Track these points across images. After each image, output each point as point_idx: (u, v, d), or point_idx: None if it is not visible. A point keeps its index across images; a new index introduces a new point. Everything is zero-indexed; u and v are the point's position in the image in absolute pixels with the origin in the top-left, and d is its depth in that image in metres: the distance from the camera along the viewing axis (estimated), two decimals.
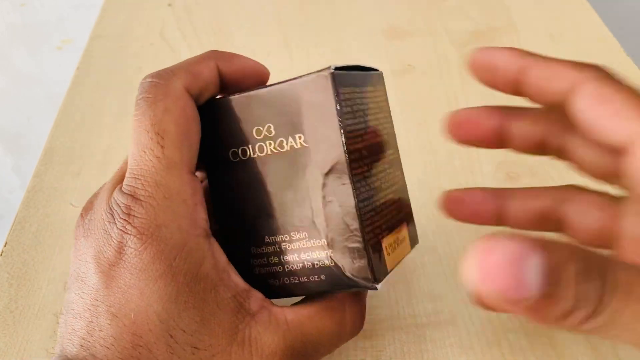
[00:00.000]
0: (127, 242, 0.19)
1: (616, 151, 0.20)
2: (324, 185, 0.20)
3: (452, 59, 0.44)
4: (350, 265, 0.20)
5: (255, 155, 0.21)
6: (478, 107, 0.23)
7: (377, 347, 0.27)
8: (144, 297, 0.19)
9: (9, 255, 0.33)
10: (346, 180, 0.20)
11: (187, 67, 0.22)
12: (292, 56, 0.46)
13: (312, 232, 0.20)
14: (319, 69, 0.20)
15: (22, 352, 0.28)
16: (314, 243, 0.21)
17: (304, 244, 0.21)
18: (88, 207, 0.22)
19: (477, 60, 0.22)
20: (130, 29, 0.51)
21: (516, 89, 0.22)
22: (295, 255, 0.21)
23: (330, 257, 0.20)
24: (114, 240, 0.19)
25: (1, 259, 0.33)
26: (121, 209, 0.20)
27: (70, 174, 0.38)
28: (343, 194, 0.20)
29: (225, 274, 0.20)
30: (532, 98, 0.22)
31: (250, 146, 0.21)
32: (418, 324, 0.27)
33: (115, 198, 0.20)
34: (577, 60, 0.21)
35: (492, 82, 0.22)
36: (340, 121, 0.19)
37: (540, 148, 0.23)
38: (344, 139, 0.19)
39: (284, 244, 0.21)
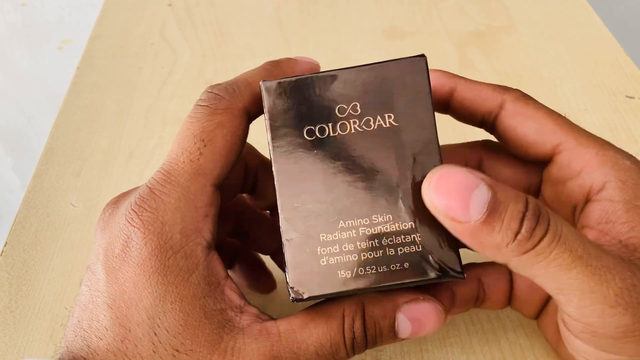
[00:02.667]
0: (132, 235, 0.20)
1: (539, 162, 0.22)
2: (413, 165, 0.20)
3: (452, 59, 0.44)
4: (438, 252, 0.19)
5: (336, 134, 0.20)
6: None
7: (377, 348, 0.27)
8: (137, 291, 0.19)
9: (9, 255, 0.33)
10: (437, 161, 0.20)
11: (250, 85, 0.22)
12: (292, 56, 0.46)
13: (398, 214, 0.19)
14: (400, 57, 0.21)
15: (22, 352, 0.28)
16: (399, 226, 0.19)
17: (387, 228, 0.19)
18: (114, 201, 0.22)
19: None
20: (130, 29, 0.51)
21: (445, 109, 0.23)
22: (376, 241, 0.19)
23: (418, 242, 0.19)
24: (122, 232, 0.20)
25: (1, 259, 0.33)
26: (135, 200, 0.20)
27: (70, 174, 0.38)
28: None
29: (219, 288, 0.20)
30: (459, 118, 0.23)
31: (330, 124, 0.20)
32: None
33: (138, 190, 0.21)
34: (498, 84, 0.23)
35: None
36: (432, 103, 0.20)
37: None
38: (435, 120, 0.20)
39: (362, 228, 0.20)
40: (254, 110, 0.22)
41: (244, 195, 0.27)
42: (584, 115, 0.39)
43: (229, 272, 0.28)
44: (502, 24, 0.47)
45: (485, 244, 0.17)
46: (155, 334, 0.19)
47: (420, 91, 0.20)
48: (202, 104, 0.21)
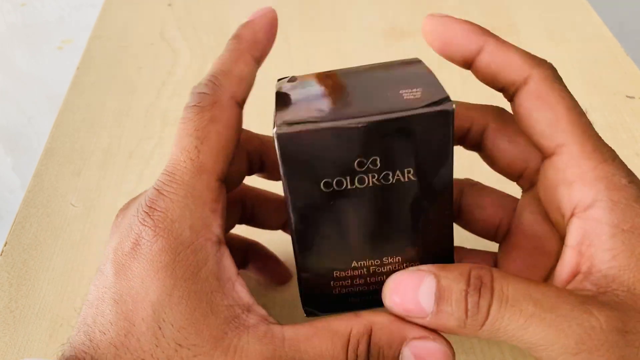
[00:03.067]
0: (142, 233, 0.20)
1: (539, 151, 0.21)
2: (426, 212, 0.20)
3: None
4: None
5: (354, 187, 0.20)
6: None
7: None
8: (144, 286, 0.19)
9: (9, 255, 0.33)
10: (449, 209, 0.21)
11: (230, 71, 0.22)
12: (292, 56, 0.46)
13: (407, 256, 0.21)
14: (432, 98, 0.19)
15: (22, 352, 0.28)
16: (406, 265, 0.21)
17: (395, 267, 0.21)
18: (125, 206, 0.23)
19: (433, 28, 0.22)
20: (130, 29, 0.51)
21: (467, 64, 0.22)
22: (384, 276, 0.21)
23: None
24: (133, 232, 0.20)
25: (1, 258, 0.33)
26: (145, 202, 0.21)
27: (70, 174, 0.38)
28: (445, 221, 0.21)
29: (229, 283, 0.20)
30: (479, 77, 0.22)
31: (349, 178, 0.20)
32: None
33: (146, 193, 0.21)
34: (531, 54, 0.21)
35: (445, 52, 0.22)
36: (452, 155, 0.20)
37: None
38: (452, 172, 0.20)
39: (372, 267, 0.21)
40: (240, 96, 0.22)
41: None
42: None
43: (245, 271, 0.29)
44: (502, 24, 0.47)
45: (449, 328, 0.18)
46: (160, 328, 0.19)
47: (442, 146, 0.19)
48: (191, 105, 0.22)
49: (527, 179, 0.23)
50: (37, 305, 0.30)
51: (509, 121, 0.23)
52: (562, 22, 0.46)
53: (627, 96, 0.40)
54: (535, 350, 0.18)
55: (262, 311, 0.21)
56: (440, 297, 0.18)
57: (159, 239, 0.20)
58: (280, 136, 0.19)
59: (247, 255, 0.29)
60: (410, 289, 0.19)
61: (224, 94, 0.22)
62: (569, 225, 0.20)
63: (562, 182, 0.20)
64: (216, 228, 0.21)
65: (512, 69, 0.21)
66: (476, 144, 0.24)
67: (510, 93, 0.21)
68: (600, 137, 0.20)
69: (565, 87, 0.21)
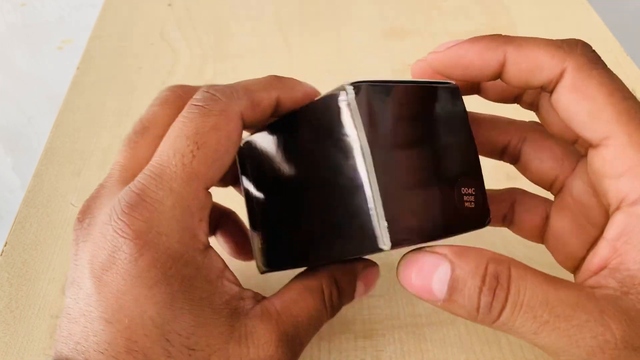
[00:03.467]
0: (121, 246, 0.19)
1: (584, 143, 0.20)
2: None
3: None
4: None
5: None
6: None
7: (377, 347, 0.27)
8: (138, 304, 0.19)
9: (9, 255, 0.33)
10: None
11: (250, 93, 0.21)
12: (292, 56, 0.46)
13: None
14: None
15: (22, 352, 0.28)
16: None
17: None
18: (86, 208, 0.21)
19: (444, 61, 0.21)
20: (130, 29, 0.51)
21: (495, 79, 0.21)
22: None
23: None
24: (109, 244, 0.19)
25: (1, 259, 0.33)
26: (121, 208, 0.19)
27: (70, 174, 0.38)
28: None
29: (220, 282, 0.21)
30: (513, 88, 0.22)
31: None
32: (418, 324, 0.27)
33: (121, 196, 0.20)
34: (560, 41, 0.20)
35: (468, 79, 0.21)
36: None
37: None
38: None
39: None
40: (250, 117, 0.21)
41: None
42: None
43: (213, 237, 0.28)
44: (502, 24, 0.47)
45: (460, 314, 0.18)
46: (168, 340, 0.19)
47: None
48: (197, 104, 0.20)
49: (558, 187, 0.23)
50: (37, 305, 0.30)
51: (544, 134, 0.23)
52: (562, 22, 0.46)
53: None
54: (545, 351, 0.18)
55: (250, 292, 0.22)
56: (453, 287, 0.18)
57: (145, 253, 0.19)
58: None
59: (219, 224, 0.28)
60: (425, 273, 0.18)
61: (235, 105, 0.21)
62: (612, 217, 0.19)
63: (609, 174, 0.19)
64: (203, 236, 0.20)
65: (543, 69, 0.19)
66: (514, 157, 0.24)
67: (550, 92, 0.20)
68: None
69: (605, 70, 0.19)
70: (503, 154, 0.24)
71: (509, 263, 0.18)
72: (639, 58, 0.44)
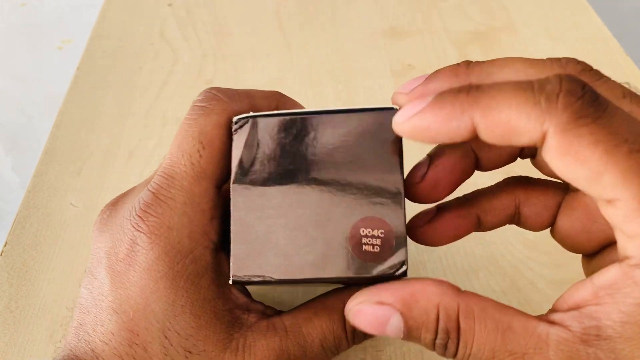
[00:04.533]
0: (137, 239, 0.19)
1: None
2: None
3: (452, 59, 0.44)
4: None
5: None
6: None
7: (377, 347, 0.27)
8: (144, 296, 0.19)
9: (9, 255, 0.33)
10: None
11: (251, 98, 0.22)
12: (292, 56, 0.46)
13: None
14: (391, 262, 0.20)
15: (22, 352, 0.28)
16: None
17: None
18: (113, 202, 0.22)
19: (408, 128, 0.18)
20: (130, 28, 0.51)
21: (473, 139, 0.17)
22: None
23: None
24: (126, 237, 0.20)
25: (1, 259, 0.33)
26: (139, 206, 0.20)
27: (70, 174, 0.38)
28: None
29: (227, 289, 0.21)
30: (490, 157, 0.21)
31: None
32: None
33: (141, 195, 0.20)
34: (537, 87, 0.15)
35: (438, 142, 0.18)
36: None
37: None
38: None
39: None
40: None
41: None
42: None
43: None
44: (502, 24, 0.47)
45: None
46: (166, 337, 0.19)
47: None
48: (200, 104, 0.21)
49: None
50: (37, 305, 0.30)
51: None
52: (562, 22, 0.46)
53: None
54: None
55: (259, 306, 0.21)
56: (409, 335, 0.18)
57: (155, 246, 0.19)
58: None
59: None
60: (377, 325, 0.18)
61: (236, 106, 0.21)
62: (610, 266, 0.17)
63: (620, 228, 0.16)
64: (213, 235, 0.21)
65: (519, 134, 0.16)
66: (532, 153, 0.21)
67: (532, 155, 0.18)
68: None
69: (601, 118, 0.15)
70: (522, 150, 0.21)
71: (458, 313, 0.17)
72: (639, 58, 0.44)
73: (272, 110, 0.22)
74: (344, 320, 0.20)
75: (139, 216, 0.20)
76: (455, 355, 0.18)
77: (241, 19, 0.51)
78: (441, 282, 0.18)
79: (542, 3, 0.49)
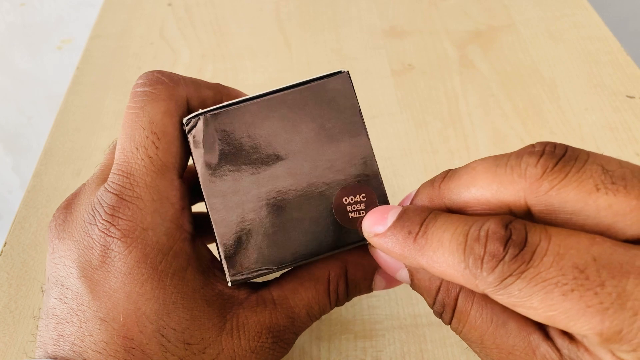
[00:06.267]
0: (110, 245, 0.19)
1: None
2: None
3: (452, 58, 0.44)
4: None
5: None
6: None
7: (377, 347, 0.27)
8: (131, 300, 0.19)
9: (9, 255, 0.33)
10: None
11: (196, 85, 0.21)
12: (292, 56, 0.46)
13: None
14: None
15: (22, 352, 0.28)
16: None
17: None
18: (65, 205, 0.21)
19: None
20: (130, 28, 0.51)
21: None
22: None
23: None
24: (97, 244, 0.19)
25: (1, 259, 0.33)
26: (104, 210, 0.19)
27: (70, 174, 0.38)
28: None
29: (210, 273, 0.21)
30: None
31: None
32: (418, 324, 0.27)
33: (100, 197, 0.19)
34: (473, 248, 0.15)
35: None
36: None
37: None
38: None
39: None
40: (194, 104, 0.21)
41: None
42: (584, 115, 0.39)
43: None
44: (502, 24, 0.47)
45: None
46: (163, 336, 0.19)
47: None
48: (143, 89, 0.20)
49: None
50: (36, 305, 0.30)
51: None
52: (562, 22, 0.46)
53: (627, 96, 0.40)
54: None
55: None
56: (414, 288, 0.19)
57: (133, 250, 0.19)
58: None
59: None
60: (390, 270, 0.19)
61: (182, 90, 0.21)
62: None
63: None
64: (187, 225, 0.20)
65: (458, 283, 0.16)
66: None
67: None
68: None
69: (521, 269, 0.15)
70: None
71: (459, 292, 0.17)
72: (639, 58, 0.44)
73: (217, 102, 0.22)
74: (329, 289, 0.21)
75: (107, 221, 0.19)
76: (449, 324, 0.18)
77: (241, 18, 0.51)
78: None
79: (542, 3, 0.49)
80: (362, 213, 0.20)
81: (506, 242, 0.15)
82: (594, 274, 0.14)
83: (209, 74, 0.45)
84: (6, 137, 0.89)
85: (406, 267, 0.19)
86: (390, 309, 0.28)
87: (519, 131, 0.38)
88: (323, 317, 0.28)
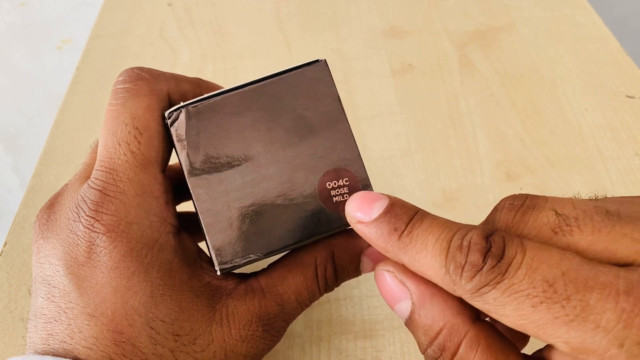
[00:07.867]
0: (95, 240, 0.19)
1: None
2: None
3: (452, 58, 0.44)
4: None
5: None
6: None
7: (377, 347, 0.27)
8: (118, 295, 0.19)
9: (9, 255, 0.33)
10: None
11: (176, 80, 0.22)
12: (292, 56, 0.46)
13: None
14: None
15: (22, 352, 0.28)
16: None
17: None
18: (48, 205, 0.21)
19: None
20: (130, 28, 0.51)
21: None
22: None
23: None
24: (82, 240, 0.19)
25: (1, 259, 0.33)
26: (88, 206, 0.19)
27: (70, 174, 0.38)
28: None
29: (197, 265, 0.21)
30: None
31: None
32: None
33: (83, 194, 0.20)
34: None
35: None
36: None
37: None
38: None
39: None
40: (176, 99, 0.22)
41: None
42: (584, 115, 0.39)
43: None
44: (502, 24, 0.47)
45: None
46: (152, 328, 0.19)
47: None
48: (124, 86, 0.20)
49: None
50: None
51: None
52: (562, 21, 0.46)
53: (627, 96, 0.40)
54: None
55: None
56: (410, 324, 0.18)
57: (118, 244, 0.19)
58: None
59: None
60: (390, 298, 0.19)
61: (163, 85, 0.21)
62: None
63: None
64: (172, 219, 0.21)
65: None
66: None
67: None
68: None
69: (497, 280, 0.16)
70: None
71: (463, 338, 0.17)
72: (639, 58, 0.44)
73: (198, 95, 0.22)
74: (316, 275, 0.21)
75: (91, 217, 0.19)
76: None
77: (241, 18, 0.51)
78: (466, 303, 0.17)
79: (542, 3, 0.49)
80: (346, 197, 0.20)
81: (486, 254, 0.16)
82: (562, 288, 0.15)
83: (209, 74, 0.45)
84: (6, 137, 0.89)
85: (413, 298, 0.18)
86: (390, 309, 0.28)
87: (519, 131, 0.38)
88: (323, 317, 0.28)
